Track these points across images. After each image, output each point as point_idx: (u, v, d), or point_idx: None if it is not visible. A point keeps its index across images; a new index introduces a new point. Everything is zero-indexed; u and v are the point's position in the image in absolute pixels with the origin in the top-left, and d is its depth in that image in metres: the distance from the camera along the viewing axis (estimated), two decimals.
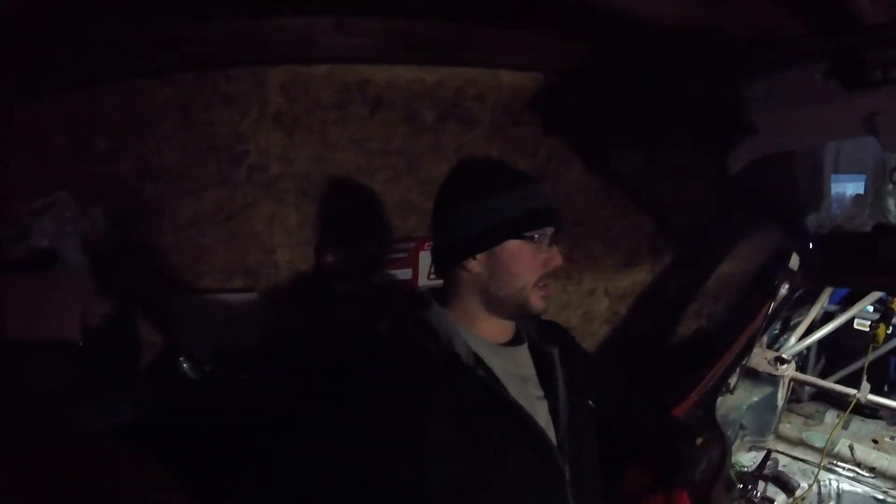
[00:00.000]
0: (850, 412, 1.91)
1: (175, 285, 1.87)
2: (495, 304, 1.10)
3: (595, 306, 2.65)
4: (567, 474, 1.07)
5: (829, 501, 1.78)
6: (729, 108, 1.80)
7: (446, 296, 1.14)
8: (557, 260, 1.11)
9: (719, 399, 1.82)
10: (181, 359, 1.75)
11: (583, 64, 2.05)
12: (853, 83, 1.46)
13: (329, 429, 1.03)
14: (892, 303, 2.00)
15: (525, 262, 1.08)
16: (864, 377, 1.82)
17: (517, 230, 1.08)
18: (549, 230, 1.11)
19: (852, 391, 1.81)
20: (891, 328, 2.00)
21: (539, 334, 1.20)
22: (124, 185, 1.86)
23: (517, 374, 1.12)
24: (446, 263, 1.13)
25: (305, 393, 1.48)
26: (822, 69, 1.53)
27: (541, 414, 1.10)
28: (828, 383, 1.95)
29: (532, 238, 1.08)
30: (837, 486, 1.80)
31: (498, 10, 1.67)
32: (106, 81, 1.84)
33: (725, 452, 1.58)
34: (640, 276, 2.71)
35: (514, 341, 1.16)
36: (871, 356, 1.94)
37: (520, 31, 1.84)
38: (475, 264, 1.09)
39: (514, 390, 1.07)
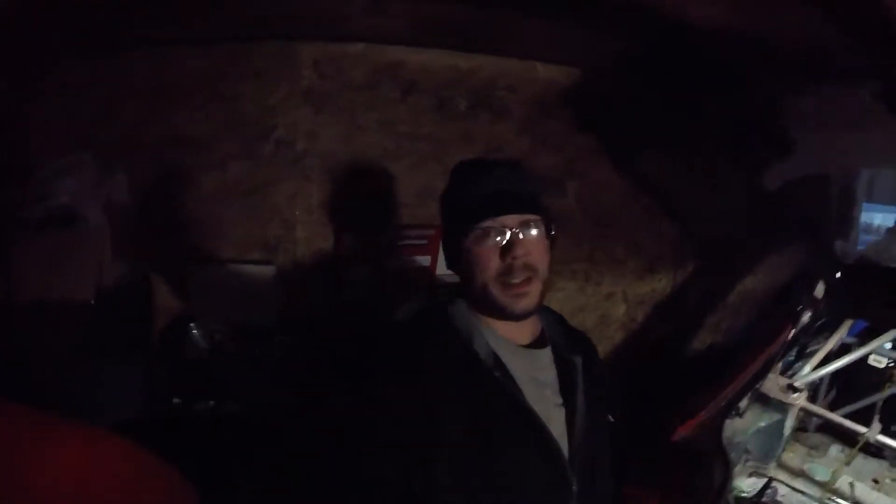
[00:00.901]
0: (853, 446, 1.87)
1: (193, 254, 1.87)
2: (479, 305, 1.07)
3: (613, 310, 2.61)
4: (574, 487, 1.04)
5: None
6: (769, 122, 1.76)
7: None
8: (519, 250, 1.02)
9: (727, 421, 1.78)
10: (191, 325, 1.75)
11: (619, 62, 2.01)
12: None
13: (340, 420, 1.03)
14: None
15: (476, 259, 1.03)
16: (877, 416, 1.76)
17: (461, 226, 1.04)
18: (505, 222, 1.03)
19: (863, 429, 1.76)
20: None
21: (565, 340, 1.15)
22: (149, 151, 1.87)
23: (536, 377, 1.08)
24: (447, 265, 1.14)
25: (317, 379, 1.48)
26: (871, 91, 1.48)
27: (556, 422, 1.06)
28: (838, 417, 1.89)
29: (481, 234, 1.03)
30: None
31: (538, 1, 1.64)
32: (137, 48, 1.84)
33: (728, 476, 1.55)
34: (660, 284, 2.66)
35: (536, 343, 1.11)
36: (885, 394, 1.89)
37: (559, 24, 1.80)
38: (458, 266, 1.09)
39: (531, 394, 1.04)
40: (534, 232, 1.04)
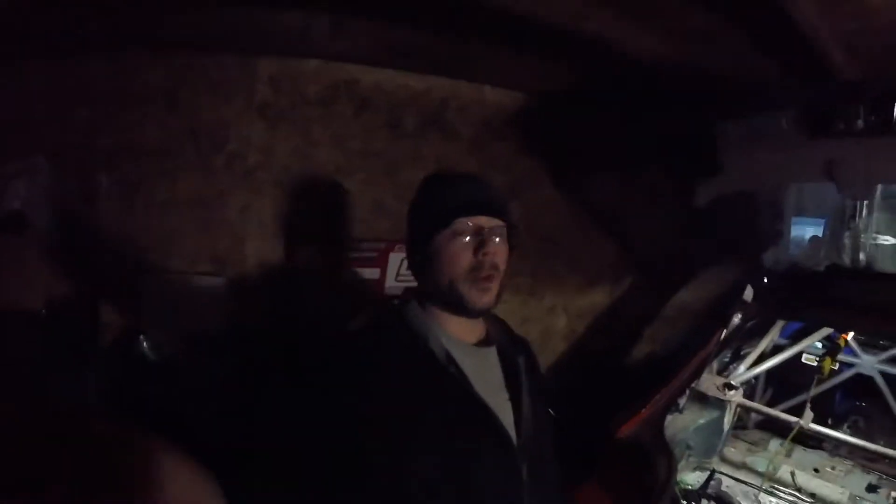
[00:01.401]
0: (794, 442, 2.04)
1: (142, 265, 1.86)
2: (442, 302, 1.14)
3: (554, 323, 2.73)
4: (524, 474, 1.11)
5: None
6: (699, 145, 1.90)
7: (421, 296, 1.18)
8: (490, 247, 1.11)
9: (669, 418, 1.92)
10: (141, 337, 1.74)
11: (564, 88, 2.12)
12: (816, 131, 1.57)
13: (292, 422, 1.06)
14: (839, 339, 2.14)
15: (448, 255, 1.11)
16: (808, 405, 1.93)
17: (437, 224, 1.11)
18: (479, 222, 1.12)
19: (795, 419, 1.91)
20: (836, 364, 2.14)
21: (508, 342, 1.24)
22: (102, 159, 1.85)
23: (485, 374, 1.15)
24: (409, 265, 1.20)
25: (268, 384, 1.50)
26: (790, 116, 1.64)
27: (505, 415, 1.13)
28: (773, 410, 2.06)
29: (456, 232, 1.11)
30: None
31: (489, 27, 1.72)
32: (95, 52, 1.82)
33: (672, 468, 1.66)
34: (598, 298, 2.80)
35: (483, 343, 1.20)
36: (817, 388, 2.07)
37: (507, 50, 1.89)
38: (420, 266, 1.16)
39: (482, 389, 1.11)
40: (501, 236, 1.15)
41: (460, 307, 1.12)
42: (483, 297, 1.11)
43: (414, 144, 2.15)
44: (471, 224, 1.11)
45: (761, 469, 1.99)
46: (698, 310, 2.73)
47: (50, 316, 1.58)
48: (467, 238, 1.11)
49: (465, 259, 1.10)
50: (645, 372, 2.73)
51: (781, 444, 2.07)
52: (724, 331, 2.03)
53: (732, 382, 2.02)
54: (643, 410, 1.84)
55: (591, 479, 1.82)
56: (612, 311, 2.87)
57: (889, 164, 1.50)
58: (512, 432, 1.12)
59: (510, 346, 1.23)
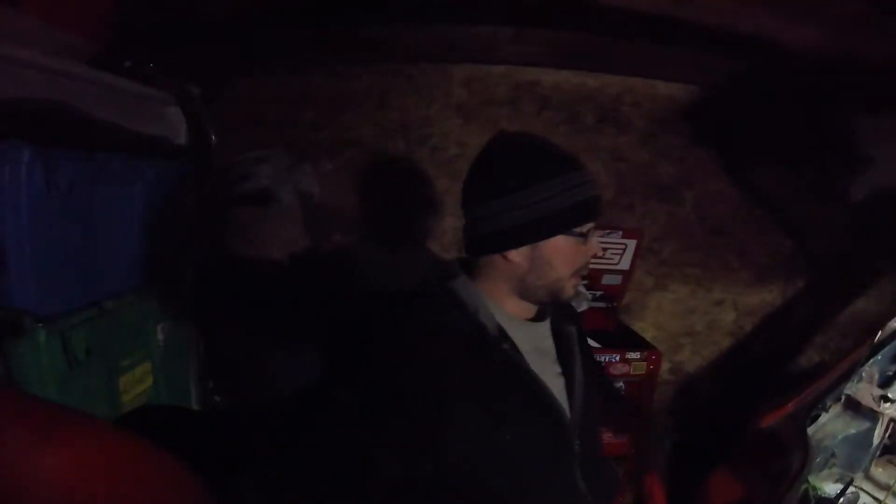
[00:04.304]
0: None
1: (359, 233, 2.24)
2: (528, 292, 1.08)
3: (722, 317, 2.73)
4: (577, 448, 1.08)
5: None
6: (852, 138, 1.88)
7: (474, 271, 1.11)
8: (596, 250, 1.08)
9: (817, 424, 1.87)
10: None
11: (731, 80, 2.18)
12: None
13: (351, 405, 1.02)
14: None
15: (567, 256, 1.06)
16: None
17: (566, 226, 1.04)
18: (592, 225, 1.07)
19: None
20: None
21: (558, 314, 1.19)
22: (326, 150, 2.26)
23: (538, 348, 1.12)
24: (485, 249, 1.08)
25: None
26: None
27: (557, 389, 1.10)
28: None
29: (582, 235, 1.05)
30: None
31: (654, 30, 1.85)
32: (314, 65, 2.23)
33: (806, 463, 1.65)
34: (770, 296, 2.75)
35: (537, 317, 1.15)
36: None
37: (675, 47, 2.01)
38: (516, 254, 1.05)
39: (535, 364, 1.07)
40: None
41: (553, 299, 1.09)
42: (575, 290, 1.10)
43: (590, 137, 2.35)
44: (589, 231, 1.06)
45: None
46: (876, 322, 2.61)
47: (293, 267, 1.96)
48: (585, 244, 1.06)
49: (581, 261, 1.07)
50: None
51: None
52: (880, 332, 1.94)
53: (889, 395, 1.92)
54: (788, 405, 1.83)
55: (725, 465, 1.85)
56: (782, 312, 2.79)
57: None
58: (565, 405, 1.09)
59: (560, 318, 1.18)
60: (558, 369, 1.12)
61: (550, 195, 1.02)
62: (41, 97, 1.13)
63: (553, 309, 1.16)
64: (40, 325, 1.16)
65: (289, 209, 2.07)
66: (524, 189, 1.02)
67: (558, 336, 1.16)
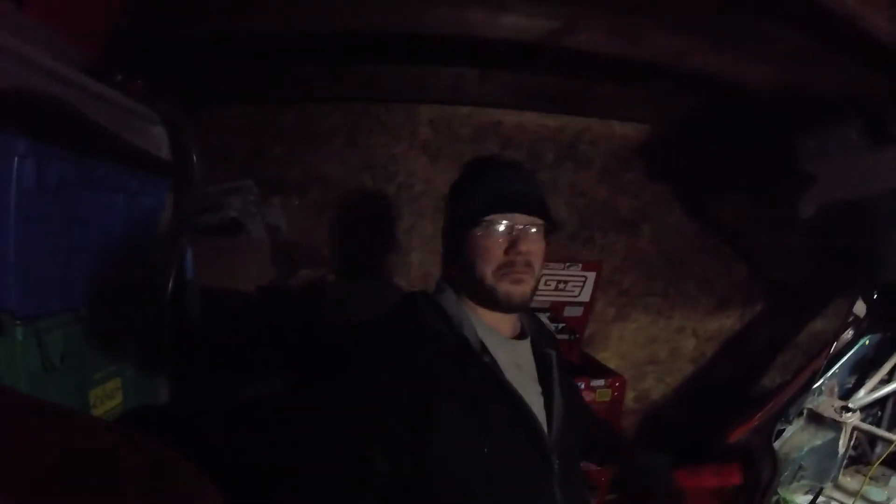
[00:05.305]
0: None
1: (327, 267, 2.29)
2: (477, 296, 1.11)
3: (683, 344, 2.82)
4: (556, 466, 1.09)
5: None
6: (795, 158, 2.00)
7: (457, 285, 1.15)
8: (522, 246, 1.07)
9: (782, 438, 1.96)
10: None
11: (683, 117, 2.33)
12: (882, 140, 1.68)
13: (338, 405, 1.00)
14: None
15: (482, 250, 1.07)
16: None
17: (474, 219, 1.07)
18: (513, 220, 1.08)
19: (894, 437, 1.87)
20: None
21: (540, 335, 1.22)
22: (294, 186, 2.32)
23: (519, 365, 1.13)
24: (442, 254, 1.18)
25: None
26: (859, 127, 1.76)
27: (537, 407, 1.11)
28: (881, 431, 2.01)
29: (490, 229, 1.07)
30: None
31: (609, 71, 1.98)
32: (284, 101, 2.31)
33: (775, 474, 1.74)
34: (728, 322, 2.85)
35: (519, 336, 1.18)
36: None
37: (630, 88, 2.16)
38: (454, 257, 1.12)
39: (515, 381, 1.08)
40: (537, 234, 1.11)
41: (491, 301, 1.10)
42: (515, 289, 1.08)
43: (552, 174, 2.44)
44: (505, 222, 1.07)
45: (877, 499, 1.94)
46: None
47: (258, 299, 2.00)
48: (502, 234, 1.08)
49: (497, 255, 1.07)
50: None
51: None
52: (835, 344, 2.04)
53: (850, 405, 2.01)
54: (753, 419, 1.92)
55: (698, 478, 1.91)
56: (742, 336, 2.90)
57: None
58: (544, 425, 1.10)
59: (542, 339, 1.21)
60: (538, 388, 1.14)
61: (470, 196, 1.11)
62: (40, 92, 1.11)
63: (536, 331, 1.21)
64: (18, 322, 1.14)
65: (257, 242, 2.13)
66: (455, 199, 1.14)
67: (539, 357, 1.17)
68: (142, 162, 1.58)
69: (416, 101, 2.34)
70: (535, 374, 1.15)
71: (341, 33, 1.74)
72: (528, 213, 1.09)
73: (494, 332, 1.12)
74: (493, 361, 1.07)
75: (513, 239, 1.07)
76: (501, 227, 1.07)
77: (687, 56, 1.80)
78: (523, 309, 1.16)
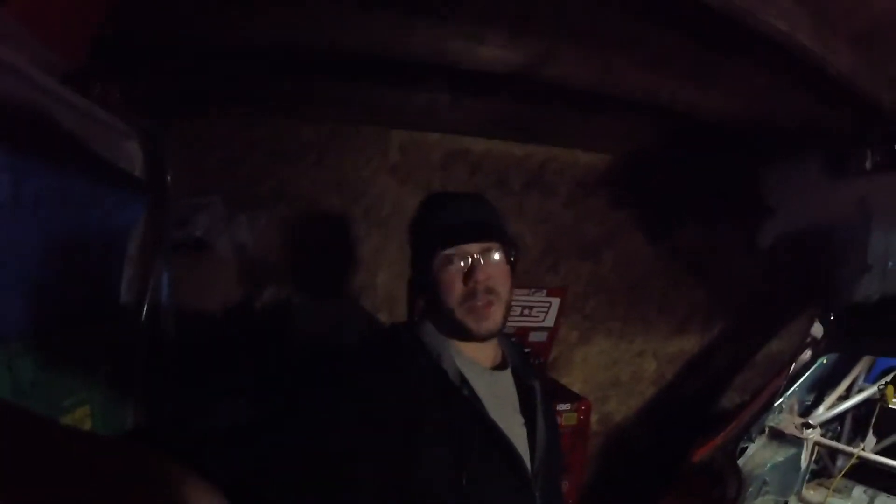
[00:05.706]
0: (880, 490, 2.07)
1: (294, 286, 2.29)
2: (446, 328, 1.12)
3: (644, 367, 2.90)
4: (537, 499, 1.09)
5: None
6: (758, 189, 2.10)
7: (434, 317, 1.16)
8: (480, 274, 1.08)
9: (746, 455, 2.04)
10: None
11: (647, 147, 2.41)
12: (839, 172, 1.78)
13: (315, 431, 0.99)
14: None
15: (443, 285, 1.09)
16: (871, 431, 2.01)
17: (426, 254, 1.11)
18: (464, 249, 1.09)
19: (855, 450, 1.98)
20: None
21: (522, 366, 1.23)
22: (264, 203, 2.30)
23: (500, 397, 1.13)
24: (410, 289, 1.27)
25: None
26: (817, 159, 1.86)
27: (519, 441, 1.10)
28: (840, 445, 2.11)
29: (445, 261, 1.08)
30: None
31: (581, 102, 2.04)
32: (256, 116, 2.28)
33: (741, 491, 1.80)
34: (688, 344, 2.94)
35: (499, 366, 1.17)
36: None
37: (597, 119, 2.21)
38: (422, 290, 1.15)
39: (496, 413, 1.07)
40: (495, 257, 1.11)
41: (462, 333, 1.10)
42: (483, 324, 1.09)
43: (518, 201, 2.50)
44: (458, 252, 1.09)
45: None
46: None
47: (224, 319, 1.98)
48: (457, 266, 1.09)
49: (457, 287, 1.08)
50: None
51: (866, 493, 2.11)
52: (793, 364, 2.14)
53: (810, 422, 2.10)
54: (717, 439, 1.99)
55: (667, 498, 1.98)
56: (701, 358, 2.99)
57: None
58: (526, 458, 1.10)
59: (524, 370, 1.22)
60: (521, 419, 1.13)
61: (413, 230, 1.17)
62: (21, 100, 1.07)
63: (519, 361, 1.22)
64: None
65: (223, 259, 2.11)
66: (411, 238, 1.18)
67: (521, 388, 1.17)
68: (117, 178, 1.55)
69: (388, 124, 2.37)
70: (517, 405, 1.15)
71: (321, 52, 1.75)
72: (480, 239, 1.11)
73: (474, 363, 1.12)
74: (473, 393, 1.07)
75: (470, 269, 1.09)
76: (456, 260, 1.09)
77: (656, 90, 1.88)
78: (497, 335, 1.16)
